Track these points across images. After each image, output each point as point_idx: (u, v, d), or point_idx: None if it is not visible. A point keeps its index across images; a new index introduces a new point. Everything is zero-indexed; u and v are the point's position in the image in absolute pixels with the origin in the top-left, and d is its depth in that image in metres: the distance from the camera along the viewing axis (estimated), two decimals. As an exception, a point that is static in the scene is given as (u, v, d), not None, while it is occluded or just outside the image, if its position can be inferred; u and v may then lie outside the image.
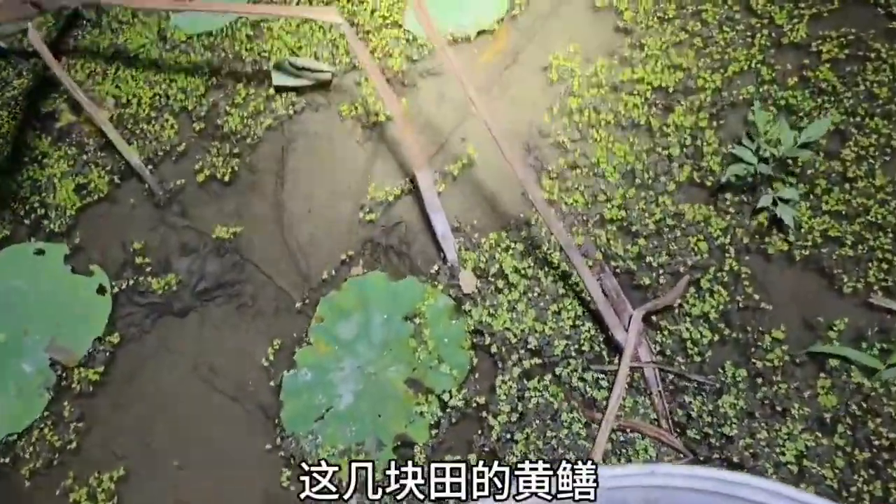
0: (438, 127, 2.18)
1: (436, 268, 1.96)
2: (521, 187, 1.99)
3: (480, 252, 1.95)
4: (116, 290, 2.05)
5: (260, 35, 2.39)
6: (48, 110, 2.34)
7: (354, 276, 2.00)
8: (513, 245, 1.95)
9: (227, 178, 2.19)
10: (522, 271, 1.90)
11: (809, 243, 1.81)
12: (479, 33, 2.30)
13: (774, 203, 1.80)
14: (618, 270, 1.88)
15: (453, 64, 1.48)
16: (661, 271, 1.84)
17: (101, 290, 2.06)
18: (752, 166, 1.80)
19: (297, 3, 2.41)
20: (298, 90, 2.28)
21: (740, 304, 1.77)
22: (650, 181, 1.97)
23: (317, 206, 2.15)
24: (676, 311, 1.79)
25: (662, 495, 1.18)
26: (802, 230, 1.83)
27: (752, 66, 2.06)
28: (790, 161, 1.84)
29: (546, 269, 1.90)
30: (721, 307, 1.77)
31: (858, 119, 1.93)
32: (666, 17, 2.19)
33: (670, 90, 2.08)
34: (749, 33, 2.12)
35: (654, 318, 1.80)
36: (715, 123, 2.01)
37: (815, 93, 2.00)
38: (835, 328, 1.70)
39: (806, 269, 1.79)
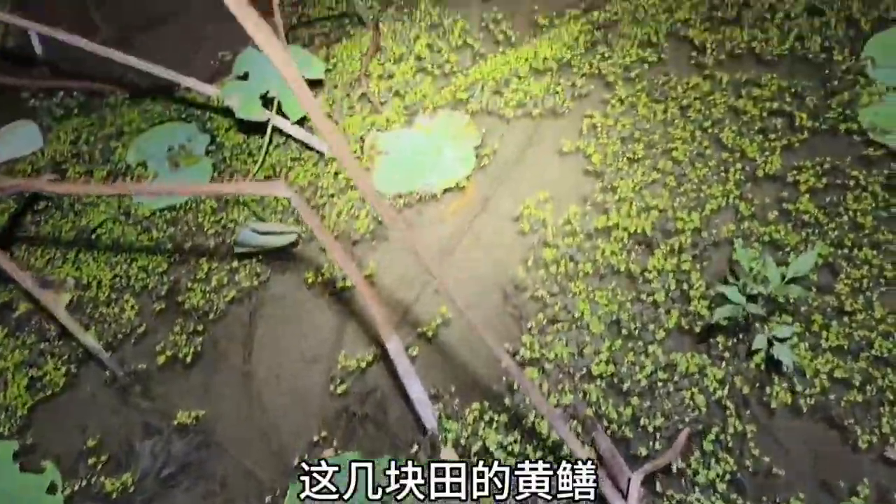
0: (411, 282, 2.15)
1: (415, 447, 1.85)
2: (498, 345, 1.93)
3: (462, 425, 1.85)
4: (69, 490, 1.94)
5: (224, 206, 2.41)
6: (4, 301, 2.32)
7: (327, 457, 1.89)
8: (496, 417, 1.85)
9: (189, 357, 2.13)
10: (508, 447, 1.79)
11: (816, 389, 1.72)
12: (446, 190, 2.31)
13: (770, 343, 1.73)
14: (611, 433, 1.77)
15: (409, 235, 1.45)
16: (658, 435, 1.74)
17: (51, 488, 1.95)
18: (740, 306, 1.74)
19: (254, 175, 2.45)
20: (263, 257, 2.27)
21: (750, 469, 1.65)
22: (637, 331, 1.91)
23: (286, 375, 2.08)
24: (682, 477, 1.67)
25: None
26: (805, 373, 1.74)
27: (730, 201, 2.06)
28: (781, 298, 1.78)
29: (534, 441, 1.79)
30: (729, 474, 1.65)
31: (846, 251, 1.90)
32: (635, 157, 2.21)
33: (648, 233, 2.06)
34: (722, 168, 2.13)
35: (657, 484, 1.67)
36: (699, 265, 1.97)
37: (797, 225, 1.97)
38: (859, 495, 1.57)
39: (815, 420, 1.69)
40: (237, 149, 2.55)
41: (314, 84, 2.61)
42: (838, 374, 1.73)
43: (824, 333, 1.79)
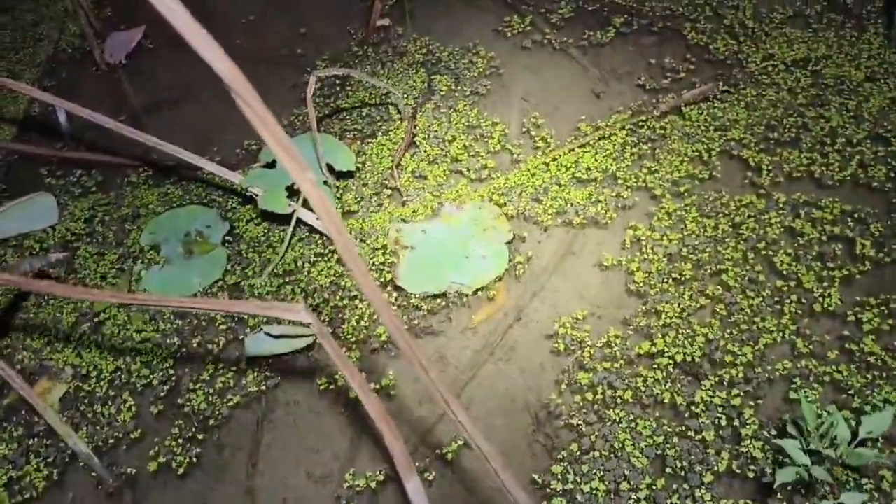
0: (434, 398, 2.07)
1: None
2: (526, 474, 1.83)
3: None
4: None
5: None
6: (-6, 387, 2.27)
7: None
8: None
9: (185, 466, 2.04)
10: None
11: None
12: (477, 291, 2.27)
13: None
14: None
15: (425, 369, 1.38)
16: None
17: None
18: (804, 467, 1.63)
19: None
20: (273, 360, 2.21)
21: None
22: (683, 471, 1.80)
23: (292, 497, 1.97)
24: None
25: None
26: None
27: (786, 336, 1.99)
28: (851, 462, 1.67)
29: None
30: None
31: (919, 401, 1.81)
32: (683, 278, 2.17)
33: (695, 362, 1.98)
34: (777, 299, 2.08)
35: None
36: (751, 402, 1.88)
37: (861, 367, 1.90)
38: None
39: None
40: (256, 241, 2.55)
41: (343, 175, 2.63)
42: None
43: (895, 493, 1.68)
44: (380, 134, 2.79)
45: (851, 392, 1.86)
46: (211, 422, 2.13)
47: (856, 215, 2.20)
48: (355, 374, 1.57)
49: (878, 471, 1.72)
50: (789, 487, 1.72)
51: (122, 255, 2.56)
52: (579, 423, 1.94)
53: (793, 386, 1.89)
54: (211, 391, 2.18)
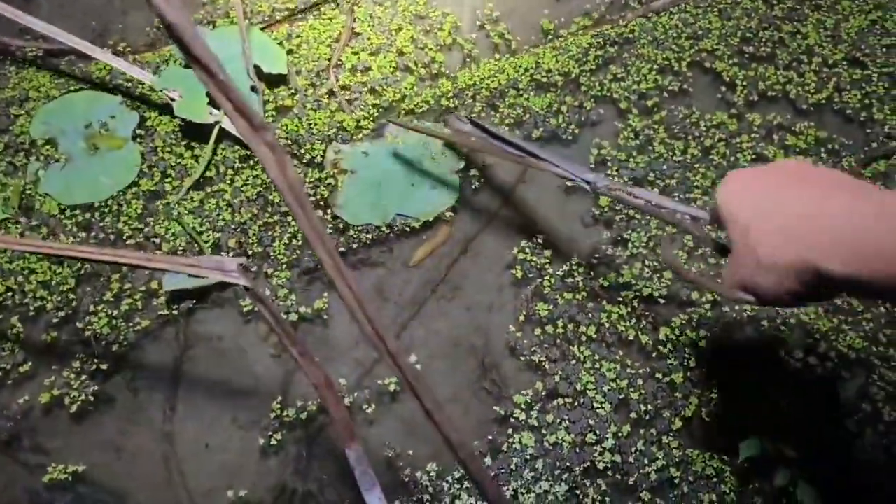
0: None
1: None
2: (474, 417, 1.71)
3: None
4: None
5: (154, 212, 2.06)
6: None
7: None
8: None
9: (92, 406, 1.80)
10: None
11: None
12: (425, 224, 2.05)
13: (795, 483, 1.57)
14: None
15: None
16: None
17: None
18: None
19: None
20: (195, 292, 1.95)
21: None
22: (649, 416, 1.72)
23: (217, 441, 1.78)
24: None
25: None
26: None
27: (754, 272, 1.88)
28: None
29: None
30: None
31: (882, 349, 1.77)
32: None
33: (660, 301, 1.87)
34: (745, 230, 1.95)
35: None
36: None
37: (829, 311, 1.83)
38: None
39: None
40: (173, 137, 2.19)
41: (274, 80, 2.28)
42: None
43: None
44: (313, 17, 2.42)
45: (817, 337, 1.80)
46: (123, 359, 1.88)
47: (829, 146, 2.08)
48: (294, 340, 1.36)
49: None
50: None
51: (10, 146, 2.15)
52: (541, 359, 1.82)
53: (761, 326, 1.83)
54: (116, 313, 1.91)
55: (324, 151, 2.15)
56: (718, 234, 1.33)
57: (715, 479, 1.64)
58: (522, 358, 1.83)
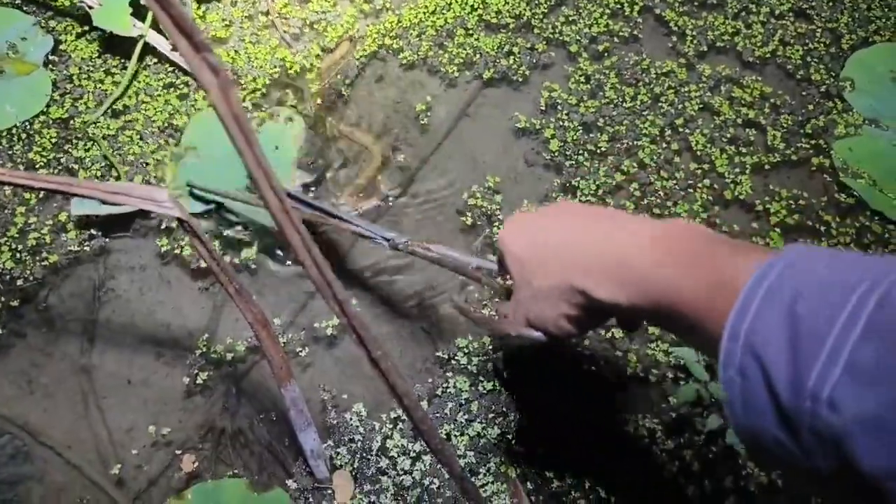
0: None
1: (299, 482, 1.59)
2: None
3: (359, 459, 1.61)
4: None
5: (69, 139, 1.89)
6: None
7: (192, 482, 1.58)
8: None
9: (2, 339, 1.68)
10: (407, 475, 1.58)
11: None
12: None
13: (725, 425, 1.61)
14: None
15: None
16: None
17: None
18: (703, 384, 1.63)
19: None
20: (110, 219, 1.82)
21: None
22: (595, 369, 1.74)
23: (139, 376, 1.70)
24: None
25: None
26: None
27: (698, 221, 1.91)
28: None
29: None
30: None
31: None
32: (598, 150, 2.00)
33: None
34: (690, 182, 1.97)
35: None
36: (659, 295, 1.83)
37: (764, 261, 1.88)
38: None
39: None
40: (89, 64, 2.00)
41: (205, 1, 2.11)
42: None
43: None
44: (246, -67, 2.23)
45: None
46: (35, 292, 1.75)
47: (772, 101, 2.10)
48: (229, 274, 1.29)
49: None
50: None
51: None
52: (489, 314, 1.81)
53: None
54: (22, 247, 1.77)
55: (266, 89, 2.02)
56: (507, 281, 1.36)
57: (647, 440, 1.68)
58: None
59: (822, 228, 1.93)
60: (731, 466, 1.65)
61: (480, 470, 1.61)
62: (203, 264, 1.79)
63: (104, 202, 1.27)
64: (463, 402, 1.71)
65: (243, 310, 1.36)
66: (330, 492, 1.59)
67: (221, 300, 1.79)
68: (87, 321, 1.75)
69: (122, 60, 2.02)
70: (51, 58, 2.00)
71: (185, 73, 2.01)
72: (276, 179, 0.91)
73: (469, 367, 1.74)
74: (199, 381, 1.70)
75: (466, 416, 1.69)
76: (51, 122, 1.92)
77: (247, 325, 1.62)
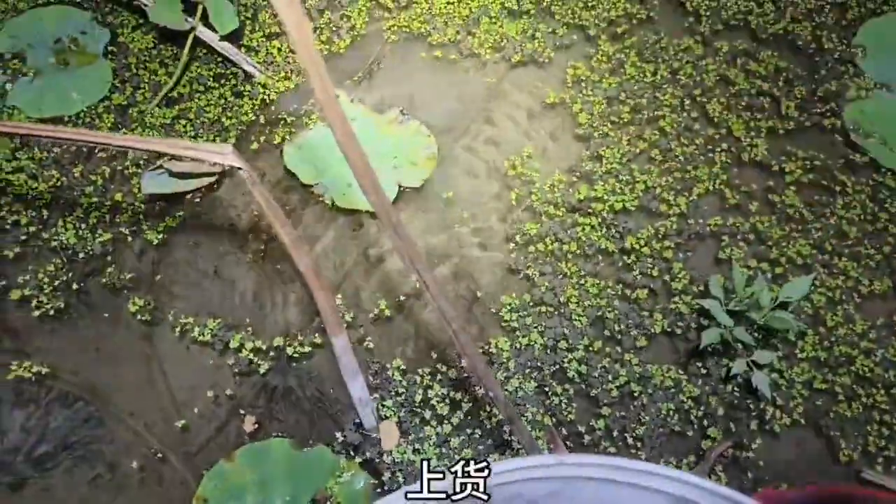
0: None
1: (348, 435, 1.75)
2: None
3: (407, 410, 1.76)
4: None
5: (126, 125, 2.07)
6: None
7: (249, 440, 1.74)
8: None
9: (70, 310, 1.85)
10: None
11: (796, 402, 1.78)
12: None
13: (750, 368, 1.74)
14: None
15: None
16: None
17: None
18: (727, 329, 1.75)
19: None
20: (171, 198, 2.00)
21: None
22: (620, 334, 1.87)
23: (197, 345, 1.86)
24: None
25: (564, 487, 1.16)
26: (783, 391, 1.79)
27: (716, 186, 2.04)
28: (771, 324, 1.78)
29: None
30: None
31: (827, 256, 1.95)
32: (622, 121, 2.14)
33: (631, 212, 2.01)
34: (709, 147, 2.11)
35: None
36: (681, 255, 1.96)
37: (782, 219, 2.00)
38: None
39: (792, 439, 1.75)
40: (145, 55, 2.19)
41: None
42: (818, 384, 1.79)
43: (799, 343, 1.84)
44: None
45: (770, 244, 1.96)
46: (101, 264, 1.93)
47: (785, 74, 2.23)
48: (284, 222, 1.45)
49: (786, 332, 1.82)
50: (710, 348, 1.81)
51: (-28, 61, 2.13)
52: (534, 273, 1.94)
53: (722, 243, 1.96)
54: (87, 231, 1.96)
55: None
56: None
57: (673, 390, 1.79)
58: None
59: (838, 188, 2.05)
60: (756, 407, 1.77)
61: (520, 421, 1.74)
62: (260, 220, 1.98)
63: (178, 159, 1.44)
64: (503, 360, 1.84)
65: (296, 256, 1.50)
66: (377, 439, 1.73)
67: (270, 271, 1.95)
68: (148, 292, 1.92)
69: (176, 51, 2.21)
70: (109, 48, 2.19)
71: (233, 63, 2.19)
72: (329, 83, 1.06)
73: (512, 323, 1.87)
74: (252, 345, 1.85)
75: (505, 374, 1.82)
76: (112, 107, 2.10)
77: (301, 299, 1.79)
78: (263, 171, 2.06)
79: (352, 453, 1.72)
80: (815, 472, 1.70)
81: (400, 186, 2.05)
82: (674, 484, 1.12)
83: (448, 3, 2.34)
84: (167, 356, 1.85)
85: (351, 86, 2.22)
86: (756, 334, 1.79)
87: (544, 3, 2.35)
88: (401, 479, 1.68)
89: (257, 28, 2.28)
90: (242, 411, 1.78)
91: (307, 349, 1.84)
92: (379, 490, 1.67)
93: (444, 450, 1.72)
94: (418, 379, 1.80)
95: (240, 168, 1.37)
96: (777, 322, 1.72)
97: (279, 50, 2.25)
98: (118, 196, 1.99)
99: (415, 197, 2.06)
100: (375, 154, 2.06)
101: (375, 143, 2.10)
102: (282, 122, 2.14)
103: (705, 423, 1.75)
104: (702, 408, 1.76)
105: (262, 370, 1.82)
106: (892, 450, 1.70)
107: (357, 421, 1.75)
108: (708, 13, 2.33)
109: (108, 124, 2.08)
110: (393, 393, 1.79)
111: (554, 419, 1.77)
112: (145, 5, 2.14)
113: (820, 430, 1.74)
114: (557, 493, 1.17)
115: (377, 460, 1.71)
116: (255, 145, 2.10)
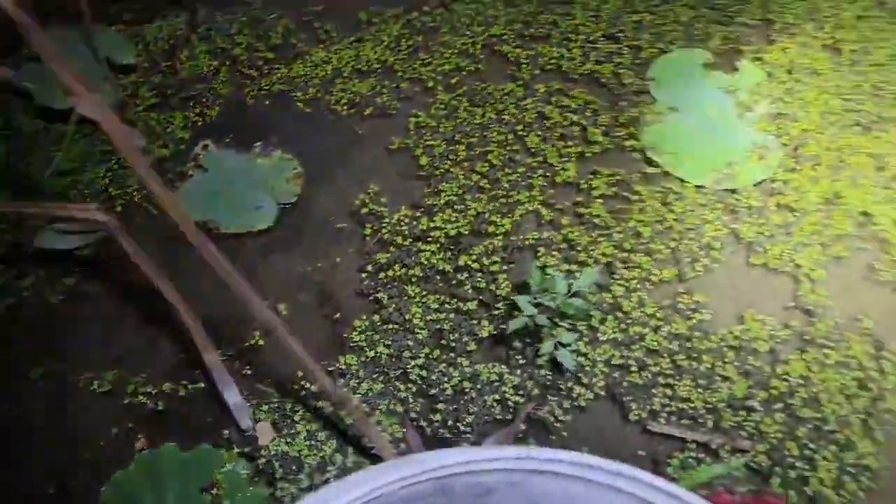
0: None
1: (228, 433, 2.09)
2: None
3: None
4: None
5: (22, 194, 2.40)
6: None
7: (141, 450, 2.08)
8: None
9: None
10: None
11: (596, 382, 2.16)
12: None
13: (556, 348, 2.13)
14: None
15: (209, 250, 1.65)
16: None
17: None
18: (531, 317, 2.14)
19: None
20: (65, 254, 2.33)
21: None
22: (454, 342, 2.24)
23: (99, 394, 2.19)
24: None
25: (526, 478, 1.20)
26: (585, 368, 2.17)
27: (534, 206, 2.45)
28: (566, 310, 2.16)
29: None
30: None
31: (625, 254, 2.36)
32: (457, 159, 2.54)
33: (464, 236, 2.40)
34: (529, 174, 2.52)
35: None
36: (505, 267, 2.34)
37: (589, 228, 2.41)
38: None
39: (595, 409, 2.14)
40: (34, 136, 2.54)
41: (125, 70, 2.66)
42: (616, 362, 2.18)
43: (601, 327, 2.23)
44: (158, 20, 2.81)
45: (579, 249, 2.35)
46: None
47: (592, 106, 2.67)
48: (150, 265, 1.79)
49: (589, 317, 2.22)
50: (524, 335, 2.19)
51: None
52: (382, 297, 2.31)
53: (538, 253, 2.36)
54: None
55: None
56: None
57: (497, 383, 2.16)
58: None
59: (635, 197, 2.47)
60: (566, 387, 2.15)
61: (375, 412, 2.10)
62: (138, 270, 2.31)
63: (61, 220, 1.78)
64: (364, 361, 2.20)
65: (165, 293, 1.84)
66: (255, 437, 2.06)
67: (155, 315, 2.28)
68: (42, 342, 2.23)
69: (63, 128, 2.56)
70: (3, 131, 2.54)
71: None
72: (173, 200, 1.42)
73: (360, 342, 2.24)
74: (145, 389, 2.18)
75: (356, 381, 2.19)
76: (9, 181, 2.43)
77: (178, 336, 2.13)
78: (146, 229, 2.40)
79: (234, 448, 2.05)
80: (609, 430, 2.09)
81: (279, 203, 2.48)
82: (640, 486, 1.17)
83: (307, 66, 2.74)
84: (73, 396, 2.15)
85: (219, 139, 2.59)
86: (559, 321, 2.18)
87: (388, 62, 2.76)
88: (276, 466, 2.01)
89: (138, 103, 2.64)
90: (140, 435, 2.10)
91: (195, 382, 2.18)
92: (256, 478, 2.00)
93: (312, 442, 2.06)
94: (290, 390, 2.14)
95: (105, 222, 1.71)
96: (570, 308, 2.11)
97: (156, 120, 2.61)
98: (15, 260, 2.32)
99: (292, 222, 2.43)
100: (250, 183, 2.52)
101: (247, 174, 2.52)
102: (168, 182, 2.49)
103: (519, 400, 2.13)
104: (521, 391, 2.14)
105: (153, 403, 2.15)
106: (673, 406, 2.10)
107: (236, 424, 2.08)
108: (527, 61, 2.78)
109: (6, 197, 2.40)
110: (266, 402, 2.13)
111: (403, 408, 2.12)
112: (31, 89, 2.48)
113: (614, 397, 2.13)
114: (518, 483, 1.22)
115: (255, 454, 2.04)
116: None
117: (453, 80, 2.73)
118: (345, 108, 2.67)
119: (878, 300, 2.30)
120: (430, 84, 2.72)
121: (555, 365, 2.15)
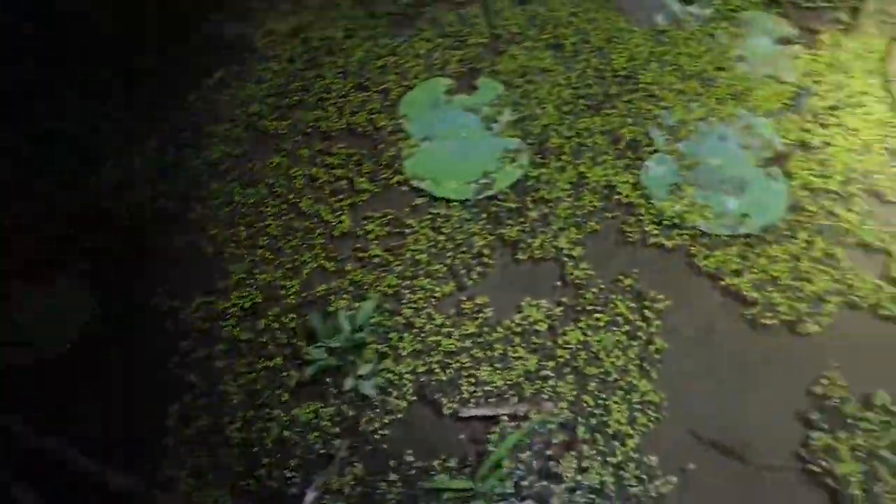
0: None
1: None
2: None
3: None
4: None
5: None
6: None
7: None
8: None
9: None
10: None
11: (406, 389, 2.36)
12: None
13: (357, 380, 2.32)
14: None
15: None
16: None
17: None
18: (324, 361, 2.33)
19: None
20: None
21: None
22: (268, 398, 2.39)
23: None
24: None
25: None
26: (394, 382, 2.37)
27: (319, 263, 2.63)
28: (355, 345, 2.37)
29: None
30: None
31: (409, 281, 2.58)
32: (241, 238, 2.71)
33: (258, 304, 2.56)
34: (309, 235, 2.71)
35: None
36: (301, 320, 2.51)
37: (371, 268, 2.61)
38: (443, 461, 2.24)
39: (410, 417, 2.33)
40: None
41: None
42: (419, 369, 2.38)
43: (401, 344, 2.43)
44: None
45: (366, 288, 2.55)
46: None
47: (354, 158, 2.89)
48: None
49: (387, 334, 2.44)
50: (327, 375, 2.37)
51: None
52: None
53: (329, 301, 2.54)
54: None
55: None
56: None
57: (315, 420, 2.32)
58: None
59: (408, 230, 2.69)
60: (379, 403, 2.33)
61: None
62: None
63: None
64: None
65: None
66: None
67: None
68: None
69: None
70: None
71: None
72: None
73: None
74: None
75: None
76: None
77: None
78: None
79: None
80: (428, 428, 2.29)
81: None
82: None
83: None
84: None
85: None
86: (352, 357, 2.37)
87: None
88: None
89: None
90: None
91: None
92: None
93: None
94: None
95: None
96: (358, 341, 2.32)
97: None
98: None
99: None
100: None
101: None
102: None
103: (338, 431, 2.30)
104: (338, 418, 2.31)
105: None
106: (479, 391, 2.33)
107: None
108: (285, 131, 2.98)
109: None
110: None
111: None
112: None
113: (426, 398, 2.34)
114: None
115: None
116: None
117: (223, 168, 2.90)
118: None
119: (632, 258, 2.59)
120: (205, 177, 2.88)
121: (361, 397, 2.35)
